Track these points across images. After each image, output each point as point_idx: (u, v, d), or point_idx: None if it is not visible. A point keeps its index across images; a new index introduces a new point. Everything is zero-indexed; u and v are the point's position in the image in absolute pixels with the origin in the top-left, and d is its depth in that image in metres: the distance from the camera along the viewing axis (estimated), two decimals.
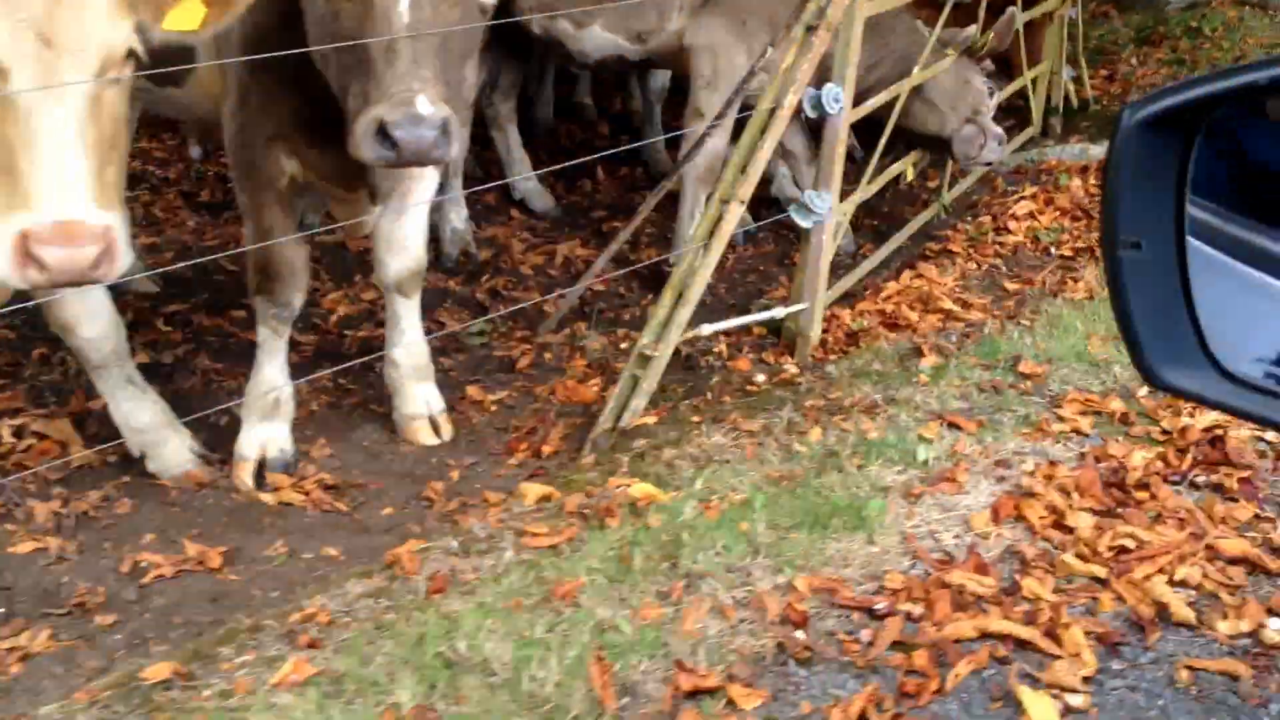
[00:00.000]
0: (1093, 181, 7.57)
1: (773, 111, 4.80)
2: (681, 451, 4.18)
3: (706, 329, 4.93)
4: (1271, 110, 1.62)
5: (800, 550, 3.44)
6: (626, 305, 6.23)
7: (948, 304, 5.78)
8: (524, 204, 7.49)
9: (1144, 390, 4.34)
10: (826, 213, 5.14)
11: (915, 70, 5.99)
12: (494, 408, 5.15)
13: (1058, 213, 7.09)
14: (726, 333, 5.42)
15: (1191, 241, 1.51)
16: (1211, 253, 1.55)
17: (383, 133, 3.30)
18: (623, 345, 5.54)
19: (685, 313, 4.71)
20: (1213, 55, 10.07)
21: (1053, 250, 6.61)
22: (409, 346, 4.66)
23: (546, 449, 4.69)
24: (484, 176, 7.56)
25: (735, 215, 4.77)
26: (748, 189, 4.78)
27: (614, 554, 3.44)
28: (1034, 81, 8.61)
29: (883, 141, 5.98)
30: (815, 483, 3.82)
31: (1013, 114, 9.07)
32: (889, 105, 5.87)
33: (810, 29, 4.85)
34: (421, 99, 3.28)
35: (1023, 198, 7.30)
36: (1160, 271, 1.48)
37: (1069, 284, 5.93)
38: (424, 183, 4.38)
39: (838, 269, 5.87)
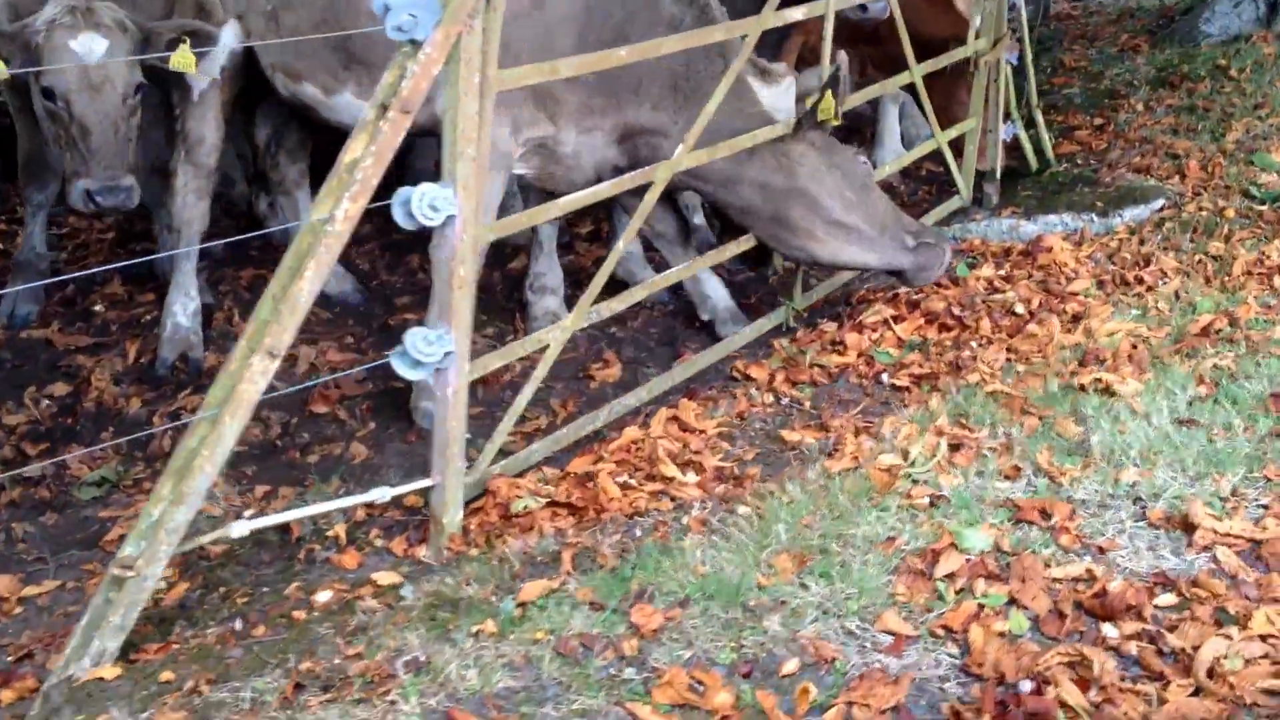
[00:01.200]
0: (1008, 270, 5.96)
1: (326, 223, 3.40)
2: None
3: (240, 527, 3.56)
4: None
5: None
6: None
7: (671, 469, 4.29)
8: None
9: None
10: (447, 361, 3.72)
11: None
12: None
13: (922, 321, 5.50)
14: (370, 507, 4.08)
15: None
16: None
17: None
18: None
19: (182, 513, 3.34)
20: (1231, 101, 8.27)
21: (884, 378, 5.03)
22: None
23: None
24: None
25: (264, 372, 3.39)
26: (282, 338, 3.40)
27: None
28: (962, 139, 7.01)
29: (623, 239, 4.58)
30: None
31: (934, 180, 7.50)
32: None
33: (382, 109, 3.44)
34: None
35: (868, 301, 5.73)
36: None
37: (855, 440, 4.37)
38: None
39: None
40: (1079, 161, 7.76)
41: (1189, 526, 3.55)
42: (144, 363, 5.56)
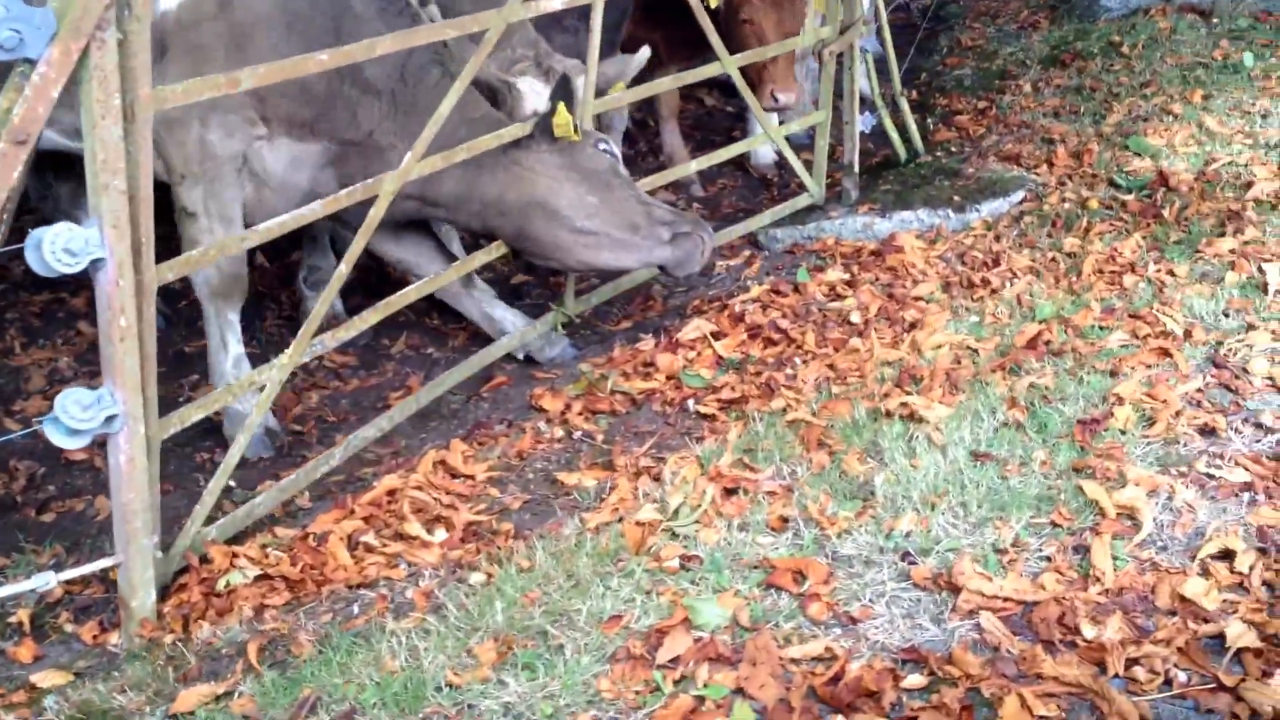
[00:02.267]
0: (854, 273, 5.49)
1: None
2: None
3: None
4: None
5: None
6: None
7: (416, 527, 3.80)
8: None
9: None
10: (112, 425, 3.22)
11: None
12: None
13: (746, 335, 5.02)
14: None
15: None
16: None
17: None
18: None
19: None
20: (1119, 80, 7.83)
21: (690, 404, 4.55)
22: None
23: None
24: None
25: None
26: None
27: None
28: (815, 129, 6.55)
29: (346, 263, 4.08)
30: None
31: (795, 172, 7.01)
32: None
33: None
34: None
35: (701, 311, 5.25)
36: None
37: (631, 484, 3.89)
38: None
39: None
40: (953, 150, 7.30)
41: (955, 588, 3.08)
42: None
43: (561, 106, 4.46)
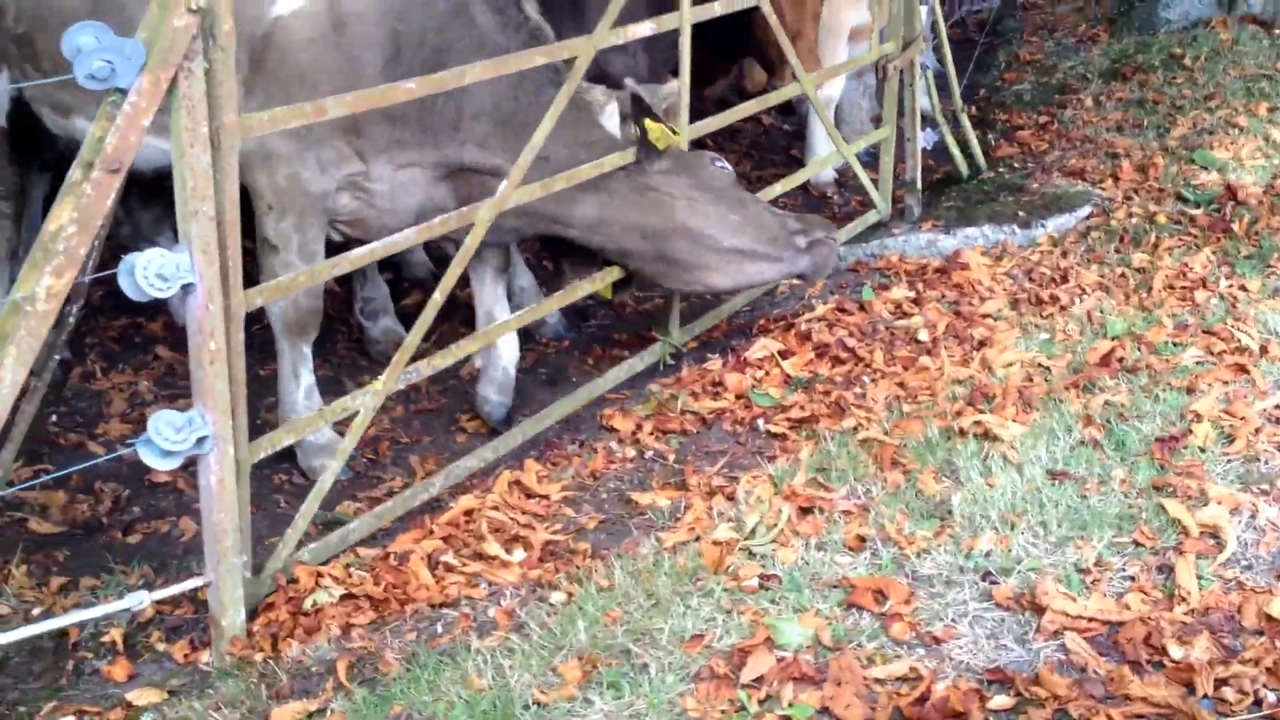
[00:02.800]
0: (920, 291, 5.49)
1: (27, 302, 2.97)
2: None
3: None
4: None
5: None
6: None
7: (494, 547, 3.84)
8: None
9: None
10: (203, 447, 3.29)
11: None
12: None
13: (814, 354, 5.04)
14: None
15: None
16: None
17: None
18: None
19: None
20: (1182, 93, 7.78)
21: (760, 424, 4.57)
22: None
23: None
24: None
25: None
26: None
27: None
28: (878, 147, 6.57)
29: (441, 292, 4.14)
30: None
31: (856, 190, 7.03)
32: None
33: (88, 168, 3.01)
34: None
35: (767, 331, 5.27)
36: None
37: (705, 503, 3.92)
38: None
39: None
40: (1015, 165, 7.29)
41: (1038, 608, 3.07)
42: None
43: (648, 120, 4.48)
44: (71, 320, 4.06)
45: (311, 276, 3.80)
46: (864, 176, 6.30)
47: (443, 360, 4.30)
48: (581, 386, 5.00)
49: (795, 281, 5.56)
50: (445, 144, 4.36)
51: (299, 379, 4.65)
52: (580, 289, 4.85)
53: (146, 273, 3.13)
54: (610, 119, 4.59)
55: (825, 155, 6.53)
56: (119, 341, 6.07)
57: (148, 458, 3.29)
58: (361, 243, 4.11)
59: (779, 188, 5.89)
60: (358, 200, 4.43)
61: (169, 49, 3.01)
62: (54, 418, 5.21)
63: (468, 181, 4.52)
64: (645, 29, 4.65)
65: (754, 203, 4.88)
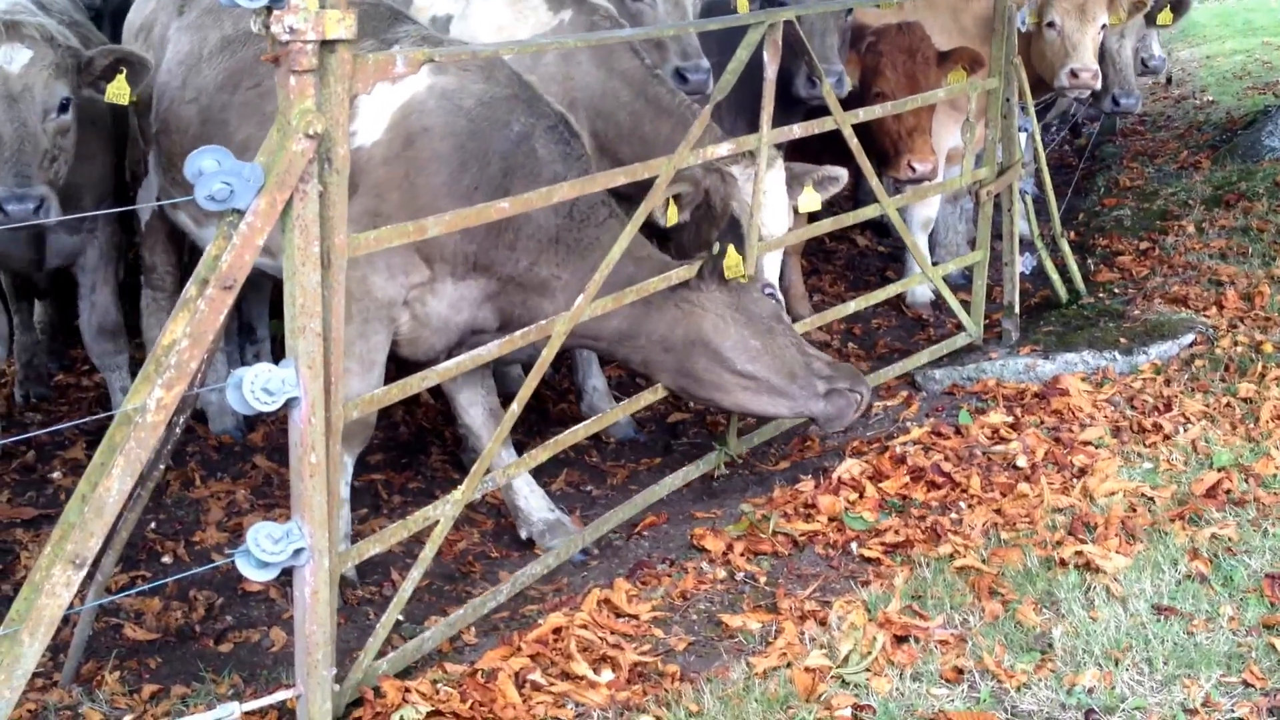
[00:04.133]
0: (1018, 416, 5.41)
1: (138, 413, 3.05)
2: None
3: None
4: None
5: None
6: None
7: (583, 667, 3.81)
8: None
9: None
10: (299, 559, 3.33)
11: None
12: None
13: (908, 478, 4.98)
14: None
15: None
16: None
17: None
18: None
19: None
20: None
21: (854, 547, 4.51)
22: None
23: None
24: None
25: (68, 584, 3.04)
26: (88, 544, 3.04)
27: None
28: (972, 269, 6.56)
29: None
30: None
31: (954, 315, 6.99)
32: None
33: (203, 284, 3.12)
34: None
35: (860, 453, 5.22)
36: None
37: (797, 627, 3.86)
38: None
39: None
40: (1116, 291, 7.20)
41: None
42: None
43: (732, 248, 4.53)
44: (179, 430, 4.15)
45: (403, 390, 3.85)
46: (951, 298, 6.28)
47: (516, 469, 4.32)
48: (639, 492, 5.01)
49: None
50: (503, 260, 4.47)
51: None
52: (645, 396, 4.89)
53: (254, 387, 3.20)
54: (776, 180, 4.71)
55: (914, 276, 6.52)
56: (218, 450, 6.18)
57: (245, 569, 3.33)
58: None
59: (853, 305, 5.89)
60: (414, 320, 4.53)
61: (286, 172, 3.11)
62: (153, 524, 5.30)
63: (510, 300, 4.59)
64: (724, 149, 4.72)
65: (784, 335, 4.82)
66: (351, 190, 4.27)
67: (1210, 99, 12.94)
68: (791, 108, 5.95)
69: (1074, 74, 6.77)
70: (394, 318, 4.46)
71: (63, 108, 4.83)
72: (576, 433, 4.57)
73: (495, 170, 4.35)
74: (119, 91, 4.84)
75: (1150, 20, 7.87)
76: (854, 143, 5.47)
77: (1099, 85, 6.99)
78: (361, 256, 4.24)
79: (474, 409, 4.99)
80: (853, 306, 5.93)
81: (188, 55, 4.91)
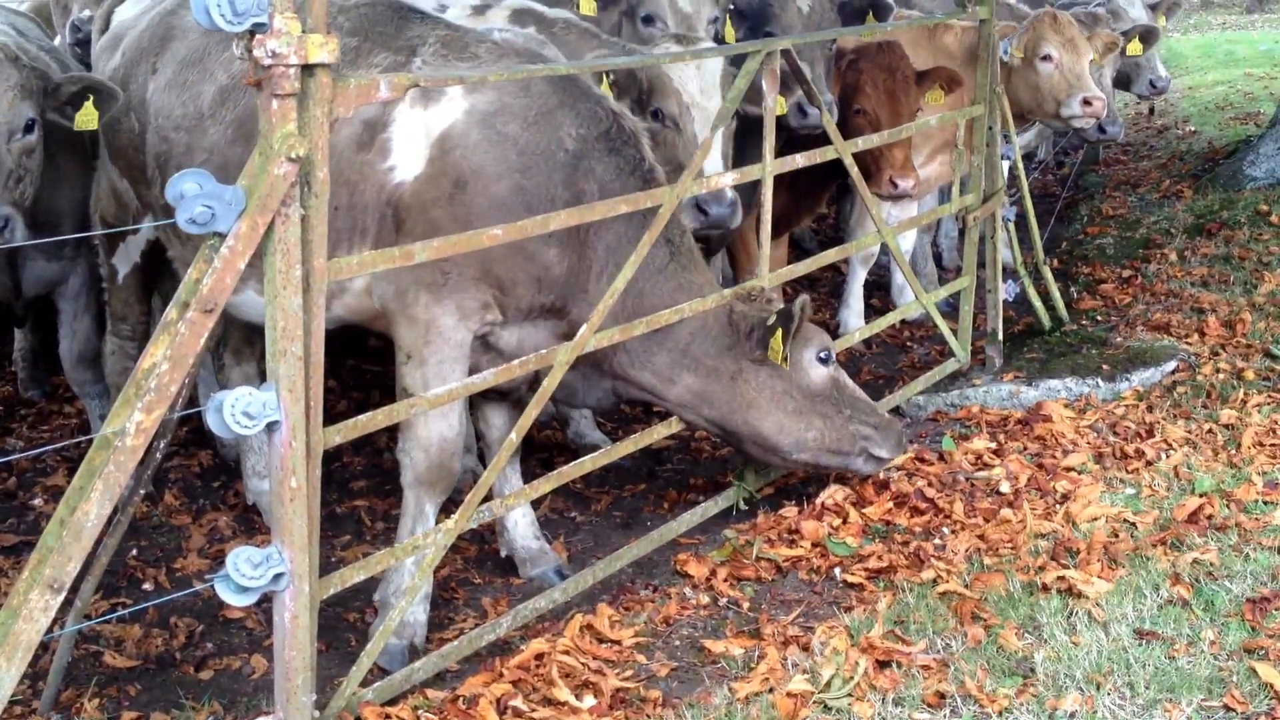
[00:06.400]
0: (1001, 442, 5.42)
1: (117, 437, 3.04)
2: None
3: None
4: None
5: None
6: None
7: (564, 693, 3.79)
8: None
9: None
10: (278, 584, 3.32)
11: None
12: None
13: (892, 504, 4.98)
14: None
15: None
16: None
17: None
18: None
19: None
20: (1270, 249, 7.73)
21: (837, 572, 4.50)
22: None
23: None
24: None
25: (45, 609, 3.02)
26: (65, 568, 3.02)
27: None
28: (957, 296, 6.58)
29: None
30: None
31: (936, 340, 7.02)
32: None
33: (184, 308, 3.11)
34: None
35: (844, 479, 5.21)
36: None
37: (779, 653, 3.84)
38: None
39: None
40: (1099, 318, 7.23)
41: None
42: None
43: (779, 334, 4.47)
44: (159, 455, 4.13)
45: (389, 416, 3.82)
46: (943, 326, 6.30)
47: (515, 500, 4.31)
48: (654, 529, 4.97)
49: None
50: (579, 303, 4.36)
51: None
52: (657, 431, 4.86)
53: (234, 410, 3.19)
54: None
55: (910, 304, 6.54)
56: (200, 476, 6.16)
57: (225, 594, 3.31)
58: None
59: (857, 335, 5.88)
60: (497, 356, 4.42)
61: (268, 195, 3.11)
62: (134, 551, 5.28)
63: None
64: (730, 179, 4.73)
65: (835, 413, 4.75)
66: (397, 227, 4.18)
67: (1192, 129, 13.05)
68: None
69: (1087, 102, 6.82)
70: (464, 358, 4.26)
71: (28, 128, 4.80)
72: (583, 465, 4.52)
73: (563, 205, 4.14)
74: (87, 118, 4.81)
75: (1121, 51, 7.96)
76: (855, 171, 5.49)
77: (1106, 113, 7.06)
78: (429, 299, 4.16)
79: (496, 423, 4.89)
80: (857, 337, 5.91)
81: (183, 118, 4.59)
